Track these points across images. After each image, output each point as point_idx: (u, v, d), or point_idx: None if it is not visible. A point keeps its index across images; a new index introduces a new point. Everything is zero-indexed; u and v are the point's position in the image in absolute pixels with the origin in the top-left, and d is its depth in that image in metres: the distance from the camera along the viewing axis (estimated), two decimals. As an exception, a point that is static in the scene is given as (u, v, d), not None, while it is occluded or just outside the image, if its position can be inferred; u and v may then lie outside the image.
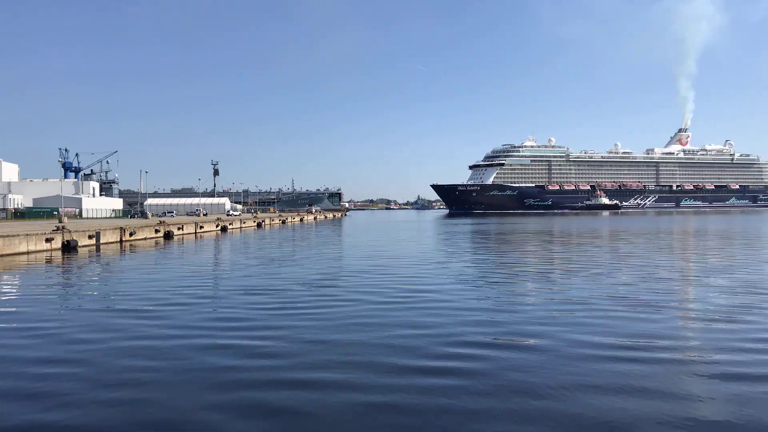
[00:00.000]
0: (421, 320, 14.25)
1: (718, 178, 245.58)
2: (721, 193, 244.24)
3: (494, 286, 20.64)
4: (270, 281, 22.32)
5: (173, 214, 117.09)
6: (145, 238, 52.45)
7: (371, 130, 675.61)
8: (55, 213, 77.73)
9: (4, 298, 19.25)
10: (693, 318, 14.54)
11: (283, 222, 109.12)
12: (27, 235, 36.90)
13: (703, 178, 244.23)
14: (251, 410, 8.18)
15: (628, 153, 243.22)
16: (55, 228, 41.14)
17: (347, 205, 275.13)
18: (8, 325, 14.46)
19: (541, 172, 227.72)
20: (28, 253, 35.79)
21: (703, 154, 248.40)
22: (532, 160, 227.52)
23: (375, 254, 34.89)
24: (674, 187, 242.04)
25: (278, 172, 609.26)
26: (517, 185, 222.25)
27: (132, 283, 22.30)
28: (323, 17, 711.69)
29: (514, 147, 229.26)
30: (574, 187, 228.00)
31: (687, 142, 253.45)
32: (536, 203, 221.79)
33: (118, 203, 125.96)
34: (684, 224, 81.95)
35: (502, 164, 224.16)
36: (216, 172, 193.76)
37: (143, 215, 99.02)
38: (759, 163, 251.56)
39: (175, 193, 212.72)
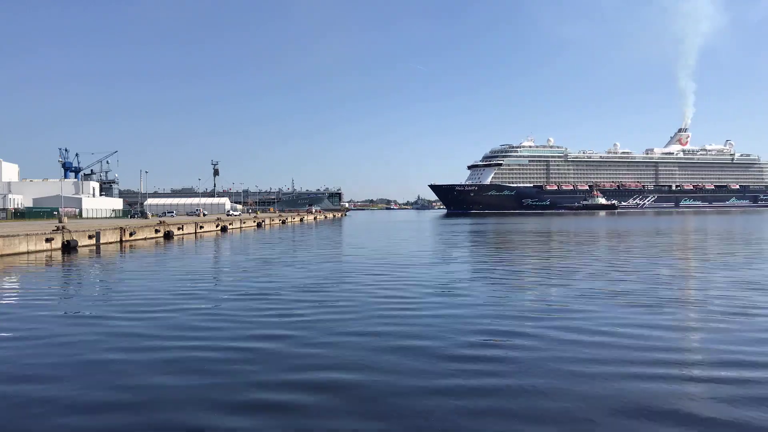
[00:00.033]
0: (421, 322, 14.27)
1: (718, 178, 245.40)
2: (721, 193, 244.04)
3: (488, 288, 20.62)
4: (268, 284, 22.27)
5: (173, 214, 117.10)
6: (145, 238, 52.46)
7: (371, 130, 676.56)
8: (55, 213, 77.74)
9: (3, 298, 19.24)
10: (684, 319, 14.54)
11: (283, 222, 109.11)
12: (27, 235, 36.91)
13: (703, 178, 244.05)
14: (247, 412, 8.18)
15: (627, 153, 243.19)
16: (55, 228, 41.15)
17: (347, 205, 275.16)
18: (7, 324, 14.46)
19: (539, 172, 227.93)
20: (28, 253, 35.79)
21: (703, 154, 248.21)
22: (530, 161, 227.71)
23: (374, 255, 34.92)
24: (673, 187, 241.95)
25: (278, 172, 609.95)
26: (515, 185, 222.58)
27: (130, 284, 22.28)
28: (323, 17, 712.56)
29: (513, 147, 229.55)
30: (572, 188, 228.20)
31: (687, 142, 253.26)
32: (534, 203, 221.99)
33: (118, 203, 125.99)
34: (679, 224, 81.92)
35: (500, 164, 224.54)
36: (216, 172, 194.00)
37: (143, 215, 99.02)
38: (759, 163, 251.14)
39: (175, 193, 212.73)
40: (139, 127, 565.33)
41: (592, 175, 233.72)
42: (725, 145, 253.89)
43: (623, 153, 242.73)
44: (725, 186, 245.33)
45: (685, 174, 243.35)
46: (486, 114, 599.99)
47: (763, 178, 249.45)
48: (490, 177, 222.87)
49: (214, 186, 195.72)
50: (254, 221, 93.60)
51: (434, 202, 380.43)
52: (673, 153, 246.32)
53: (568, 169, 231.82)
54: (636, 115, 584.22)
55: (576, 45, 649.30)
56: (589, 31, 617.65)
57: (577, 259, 30.23)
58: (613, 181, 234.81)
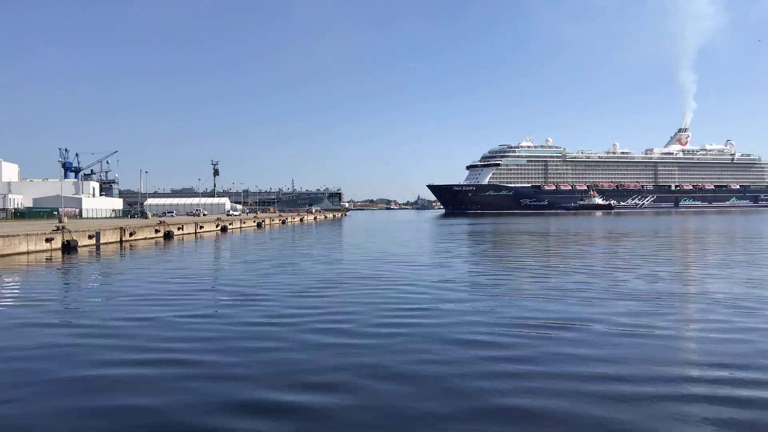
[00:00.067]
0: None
1: (719, 178, 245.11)
2: (721, 194, 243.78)
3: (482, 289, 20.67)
4: (267, 287, 22.32)
5: (173, 214, 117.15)
6: (145, 238, 52.51)
7: (371, 130, 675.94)
8: (55, 213, 77.77)
9: (2, 299, 19.28)
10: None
11: (283, 222, 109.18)
12: (27, 235, 36.95)
13: (702, 178, 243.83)
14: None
15: (626, 153, 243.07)
16: (55, 228, 41.18)
17: (347, 205, 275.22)
18: (4, 324, 14.51)
19: (537, 172, 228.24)
20: (28, 253, 35.84)
21: (703, 154, 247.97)
22: (528, 161, 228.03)
23: (373, 255, 34.98)
24: (673, 188, 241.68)
25: (278, 172, 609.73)
26: (513, 185, 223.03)
27: (129, 285, 22.31)
28: (323, 17, 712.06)
29: (511, 147, 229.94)
30: (570, 188, 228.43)
31: (687, 142, 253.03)
32: (532, 203, 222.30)
33: (118, 203, 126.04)
34: (673, 224, 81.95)
35: (498, 164, 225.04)
36: (216, 172, 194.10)
37: (143, 215, 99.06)
38: (760, 163, 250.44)
39: (175, 193, 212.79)
40: (139, 127, 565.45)
41: (591, 175, 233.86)
42: (726, 145, 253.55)
43: (622, 153, 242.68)
44: (725, 186, 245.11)
45: (684, 174, 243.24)
46: (486, 114, 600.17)
47: (763, 178, 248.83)
48: (488, 177, 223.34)
49: (214, 186, 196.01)
50: (254, 221, 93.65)
51: (434, 202, 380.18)
52: (672, 153, 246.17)
53: (567, 169, 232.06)
54: (636, 115, 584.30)
55: (576, 45, 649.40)
56: (589, 31, 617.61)
57: (555, 262, 30.28)
58: (611, 181, 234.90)
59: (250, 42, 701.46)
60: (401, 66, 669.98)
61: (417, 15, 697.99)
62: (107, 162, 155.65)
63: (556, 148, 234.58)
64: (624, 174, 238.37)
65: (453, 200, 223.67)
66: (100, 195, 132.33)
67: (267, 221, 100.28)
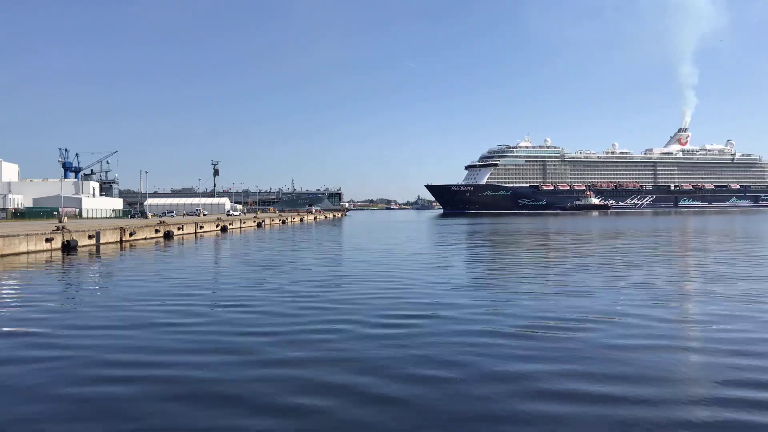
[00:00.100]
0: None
1: (719, 178, 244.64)
2: (721, 194, 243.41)
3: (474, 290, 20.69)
4: (267, 290, 22.32)
5: (173, 214, 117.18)
6: (145, 238, 52.53)
7: (371, 130, 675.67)
8: (55, 213, 77.80)
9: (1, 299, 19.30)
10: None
11: (283, 222, 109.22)
12: (27, 235, 36.97)
13: (702, 178, 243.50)
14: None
15: (625, 153, 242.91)
16: (55, 228, 41.21)
17: (347, 205, 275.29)
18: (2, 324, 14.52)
19: (535, 172, 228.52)
20: (28, 253, 35.86)
21: (703, 154, 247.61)
22: (526, 161, 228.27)
23: (371, 258, 35.02)
24: (672, 188, 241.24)
25: (278, 172, 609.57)
26: (511, 185, 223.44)
27: (127, 287, 22.34)
28: (323, 17, 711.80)
29: (509, 147, 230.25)
30: (568, 188, 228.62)
31: (687, 142, 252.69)
32: (530, 203, 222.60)
33: (118, 203, 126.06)
34: (663, 224, 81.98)
35: (496, 165, 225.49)
36: (216, 172, 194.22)
37: (143, 215, 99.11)
38: (761, 163, 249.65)
39: (175, 193, 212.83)
40: (139, 127, 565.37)
41: (590, 176, 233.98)
42: (726, 145, 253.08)
43: (621, 153, 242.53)
44: (725, 186, 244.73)
45: (684, 174, 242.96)
46: (486, 114, 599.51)
47: (764, 178, 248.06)
48: (486, 177, 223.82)
49: (214, 186, 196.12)
50: (254, 221, 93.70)
51: (434, 202, 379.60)
52: (672, 153, 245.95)
53: (565, 170, 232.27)
54: (636, 115, 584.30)
55: (576, 45, 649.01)
56: (589, 31, 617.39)
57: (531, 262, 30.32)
58: (610, 182, 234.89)
59: (250, 42, 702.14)
60: (401, 66, 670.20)
61: (417, 15, 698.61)
62: (107, 162, 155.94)
63: (555, 148, 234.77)
64: (623, 174, 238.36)
65: (451, 200, 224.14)
66: (100, 195, 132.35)
67: (267, 221, 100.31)
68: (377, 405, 8.34)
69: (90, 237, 43.39)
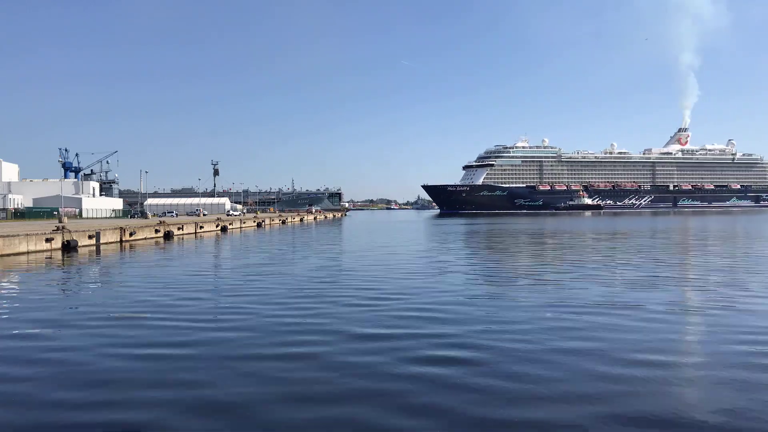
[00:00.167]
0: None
1: (719, 178, 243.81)
2: (721, 194, 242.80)
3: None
4: (265, 293, 22.33)
5: (173, 214, 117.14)
6: (145, 238, 52.55)
7: (371, 130, 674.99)
8: (55, 213, 77.80)
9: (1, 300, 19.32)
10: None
11: (283, 222, 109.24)
12: (27, 235, 36.99)
13: (702, 178, 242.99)
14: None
15: (623, 153, 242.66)
16: (55, 228, 41.22)
17: (347, 205, 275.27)
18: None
19: (532, 172, 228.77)
20: (28, 253, 35.88)
21: (703, 154, 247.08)
22: (522, 161, 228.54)
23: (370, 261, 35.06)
24: (671, 188, 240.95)
25: (278, 172, 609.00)
26: (507, 185, 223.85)
27: (126, 288, 22.36)
28: (323, 17, 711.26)
29: (506, 148, 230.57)
30: (565, 188, 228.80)
31: (686, 142, 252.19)
32: (526, 203, 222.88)
33: (118, 203, 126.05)
34: (653, 224, 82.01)
35: (492, 165, 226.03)
36: (216, 172, 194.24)
37: (143, 215, 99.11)
38: (762, 163, 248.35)
39: (175, 193, 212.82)
40: (139, 127, 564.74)
41: (587, 176, 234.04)
42: (727, 145, 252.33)
43: (620, 153, 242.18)
44: (726, 186, 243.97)
45: (683, 174, 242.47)
46: (486, 114, 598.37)
47: (765, 178, 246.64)
48: (483, 177, 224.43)
49: (214, 186, 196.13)
50: (254, 221, 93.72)
51: (433, 202, 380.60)
52: (671, 153, 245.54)
53: (562, 170, 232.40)
54: (636, 115, 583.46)
55: (576, 45, 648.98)
56: (589, 31, 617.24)
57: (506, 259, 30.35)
58: (608, 182, 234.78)
59: (250, 42, 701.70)
60: (401, 66, 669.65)
61: (417, 15, 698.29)
62: (107, 162, 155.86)
63: (552, 148, 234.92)
64: (621, 174, 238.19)
65: (447, 200, 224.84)
66: (100, 195, 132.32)
67: (267, 221, 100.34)
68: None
69: (90, 237, 43.41)
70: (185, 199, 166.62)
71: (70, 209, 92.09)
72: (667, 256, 32.06)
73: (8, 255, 33.84)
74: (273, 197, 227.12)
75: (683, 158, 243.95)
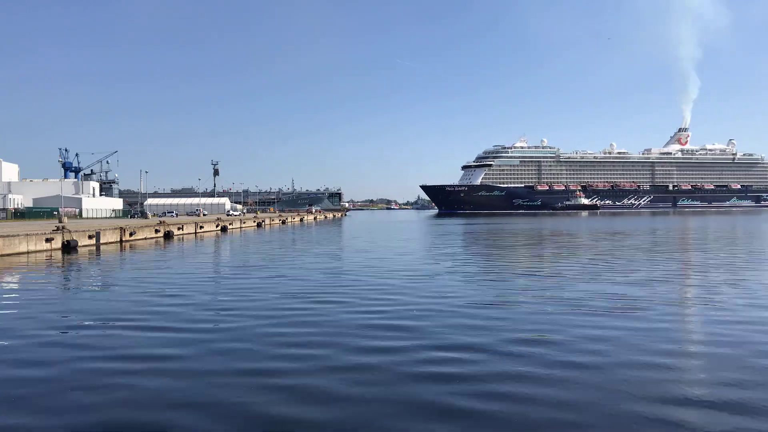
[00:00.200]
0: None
1: (719, 178, 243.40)
2: (721, 193, 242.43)
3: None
4: (268, 292, 22.32)
5: (173, 214, 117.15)
6: (145, 238, 52.56)
7: (371, 130, 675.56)
8: (55, 213, 77.81)
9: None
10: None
11: (283, 222, 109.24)
12: (27, 235, 37.00)
13: (702, 178, 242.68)
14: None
15: (623, 153, 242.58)
16: (55, 228, 41.23)
17: (347, 205, 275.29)
18: None
19: (530, 172, 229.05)
20: (28, 253, 35.89)
21: (703, 154, 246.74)
22: (521, 161, 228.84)
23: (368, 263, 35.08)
24: (670, 187, 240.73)
25: (278, 172, 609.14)
26: (506, 185, 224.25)
27: (126, 288, 22.37)
28: (323, 17, 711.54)
29: (504, 148, 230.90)
30: (564, 188, 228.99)
31: (686, 142, 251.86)
32: (525, 203, 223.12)
33: (118, 203, 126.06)
34: (645, 224, 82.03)
35: (490, 165, 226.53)
36: (216, 172, 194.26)
37: (143, 215, 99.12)
38: (763, 163, 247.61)
39: (175, 193, 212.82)
40: (139, 127, 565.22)
41: (586, 176, 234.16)
42: (728, 145, 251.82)
43: (619, 153, 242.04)
44: (726, 186, 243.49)
45: (683, 174, 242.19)
46: (486, 114, 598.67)
47: (766, 178, 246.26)
48: (481, 177, 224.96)
49: (214, 186, 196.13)
50: (254, 221, 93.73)
51: (432, 202, 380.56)
52: (671, 153, 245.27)
53: (561, 170, 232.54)
54: (636, 115, 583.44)
55: (575, 45, 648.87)
56: (589, 31, 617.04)
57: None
58: (607, 182, 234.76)
59: (250, 42, 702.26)
60: (401, 66, 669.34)
61: (417, 15, 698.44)
62: (107, 162, 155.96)
63: (550, 148, 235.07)
64: (620, 174, 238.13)
65: (445, 200, 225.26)
66: (100, 195, 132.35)
67: (267, 221, 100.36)
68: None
69: (90, 237, 43.42)
70: (185, 199, 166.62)
71: (70, 209, 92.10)
72: (645, 258, 32.06)
73: (8, 255, 33.85)
74: (273, 197, 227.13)
75: (683, 158, 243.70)
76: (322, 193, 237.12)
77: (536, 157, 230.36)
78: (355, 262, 29.85)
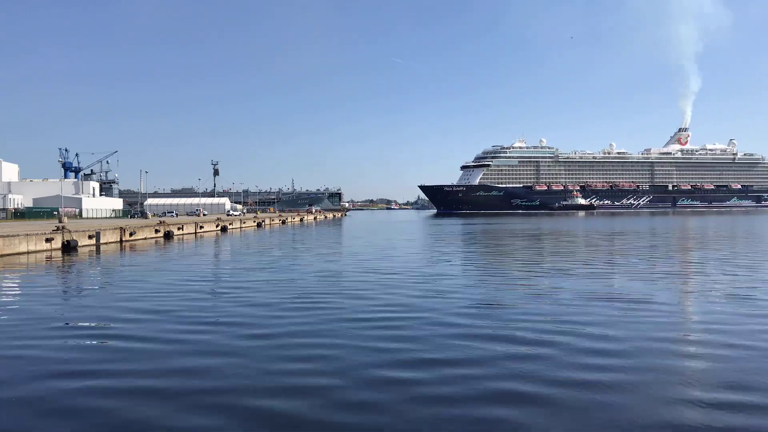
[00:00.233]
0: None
1: (719, 178, 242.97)
2: (721, 193, 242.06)
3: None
4: (268, 293, 22.32)
5: (173, 214, 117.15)
6: (145, 238, 52.55)
7: (371, 130, 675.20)
8: (55, 213, 77.80)
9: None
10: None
11: (283, 222, 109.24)
12: (27, 235, 37.00)
13: (702, 178, 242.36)
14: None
15: (622, 153, 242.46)
16: (55, 228, 41.22)
17: (347, 205, 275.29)
18: None
19: (528, 172, 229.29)
20: (28, 253, 35.88)
21: (703, 154, 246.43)
22: (519, 161, 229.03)
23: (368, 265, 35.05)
24: (670, 187, 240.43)
25: (278, 172, 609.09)
26: (504, 186, 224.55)
27: (125, 289, 22.37)
28: (323, 17, 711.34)
29: (503, 148, 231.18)
30: (562, 188, 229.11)
31: (686, 142, 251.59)
32: (523, 203, 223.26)
33: (118, 203, 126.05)
34: (639, 224, 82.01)
35: (488, 165, 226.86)
36: (216, 172, 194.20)
37: (143, 215, 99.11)
38: (763, 163, 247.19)
39: (175, 193, 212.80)
40: (139, 127, 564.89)
41: (585, 176, 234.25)
42: (728, 145, 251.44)
43: (618, 153, 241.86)
44: (726, 186, 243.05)
45: (683, 174, 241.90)
46: (486, 114, 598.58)
47: (767, 178, 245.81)
48: (479, 178, 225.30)
49: (214, 186, 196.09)
50: (254, 221, 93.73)
51: (432, 202, 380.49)
52: (671, 153, 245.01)
53: (559, 170, 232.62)
54: (636, 115, 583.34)
55: (575, 45, 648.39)
56: (589, 31, 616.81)
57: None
58: (606, 182, 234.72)
59: (250, 42, 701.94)
60: (400, 66, 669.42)
61: (417, 15, 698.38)
62: (107, 162, 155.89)
63: (549, 148, 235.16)
64: (619, 174, 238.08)
65: (444, 200, 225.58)
66: (100, 195, 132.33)
67: (267, 221, 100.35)
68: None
69: (90, 237, 43.41)
70: (185, 199, 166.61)
71: (70, 209, 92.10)
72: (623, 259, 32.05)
73: (8, 255, 33.84)
74: (273, 197, 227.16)
75: (683, 158, 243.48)
76: (322, 193, 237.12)
77: (535, 157, 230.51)
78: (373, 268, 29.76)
